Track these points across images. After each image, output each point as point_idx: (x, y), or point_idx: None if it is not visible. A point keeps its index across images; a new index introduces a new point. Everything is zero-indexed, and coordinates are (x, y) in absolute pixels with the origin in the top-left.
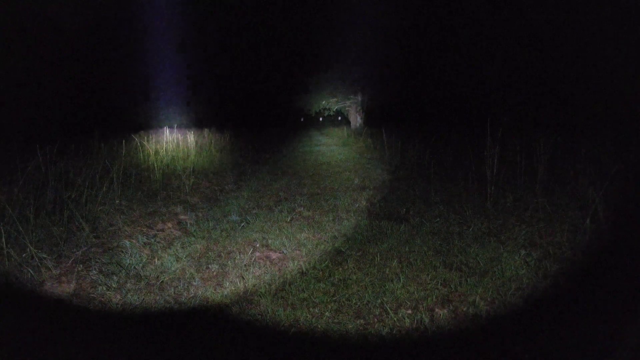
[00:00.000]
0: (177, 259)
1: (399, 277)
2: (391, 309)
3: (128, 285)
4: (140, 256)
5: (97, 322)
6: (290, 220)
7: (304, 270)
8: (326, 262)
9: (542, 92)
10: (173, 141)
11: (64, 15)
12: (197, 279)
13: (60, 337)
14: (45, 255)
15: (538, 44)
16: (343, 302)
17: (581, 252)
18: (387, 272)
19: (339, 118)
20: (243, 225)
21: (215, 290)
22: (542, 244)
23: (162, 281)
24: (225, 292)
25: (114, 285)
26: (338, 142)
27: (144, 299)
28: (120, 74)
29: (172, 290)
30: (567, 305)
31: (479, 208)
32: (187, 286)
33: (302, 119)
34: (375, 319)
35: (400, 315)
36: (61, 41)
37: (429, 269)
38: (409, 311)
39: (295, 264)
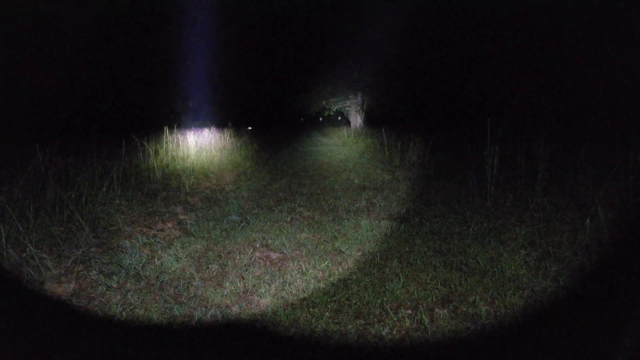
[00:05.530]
0: (177, 259)
1: (399, 277)
2: (391, 309)
3: (128, 285)
4: (140, 256)
5: (96, 322)
6: (290, 220)
7: (304, 270)
8: (326, 262)
9: (542, 91)
10: (173, 141)
11: (65, 13)
12: (197, 279)
13: (60, 337)
14: (45, 255)
15: (538, 43)
16: (343, 302)
17: (581, 252)
18: (387, 272)
19: (339, 118)
20: (243, 225)
21: (215, 290)
22: (542, 244)
23: (162, 281)
24: (225, 292)
25: (114, 285)
26: (338, 142)
27: (144, 299)
28: (120, 73)
29: (172, 290)
30: (567, 305)
31: (479, 208)
32: (187, 286)
33: (302, 119)
34: (375, 319)
35: (400, 315)
36: (62, 40)
37: (429, 269)
38: (409, 311)
39: (295, 264)
